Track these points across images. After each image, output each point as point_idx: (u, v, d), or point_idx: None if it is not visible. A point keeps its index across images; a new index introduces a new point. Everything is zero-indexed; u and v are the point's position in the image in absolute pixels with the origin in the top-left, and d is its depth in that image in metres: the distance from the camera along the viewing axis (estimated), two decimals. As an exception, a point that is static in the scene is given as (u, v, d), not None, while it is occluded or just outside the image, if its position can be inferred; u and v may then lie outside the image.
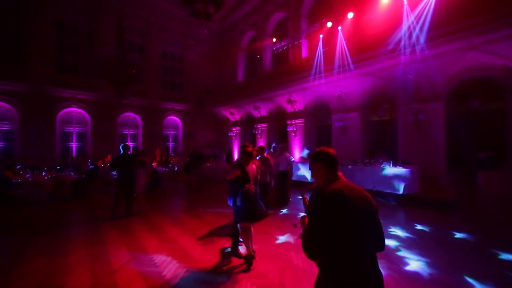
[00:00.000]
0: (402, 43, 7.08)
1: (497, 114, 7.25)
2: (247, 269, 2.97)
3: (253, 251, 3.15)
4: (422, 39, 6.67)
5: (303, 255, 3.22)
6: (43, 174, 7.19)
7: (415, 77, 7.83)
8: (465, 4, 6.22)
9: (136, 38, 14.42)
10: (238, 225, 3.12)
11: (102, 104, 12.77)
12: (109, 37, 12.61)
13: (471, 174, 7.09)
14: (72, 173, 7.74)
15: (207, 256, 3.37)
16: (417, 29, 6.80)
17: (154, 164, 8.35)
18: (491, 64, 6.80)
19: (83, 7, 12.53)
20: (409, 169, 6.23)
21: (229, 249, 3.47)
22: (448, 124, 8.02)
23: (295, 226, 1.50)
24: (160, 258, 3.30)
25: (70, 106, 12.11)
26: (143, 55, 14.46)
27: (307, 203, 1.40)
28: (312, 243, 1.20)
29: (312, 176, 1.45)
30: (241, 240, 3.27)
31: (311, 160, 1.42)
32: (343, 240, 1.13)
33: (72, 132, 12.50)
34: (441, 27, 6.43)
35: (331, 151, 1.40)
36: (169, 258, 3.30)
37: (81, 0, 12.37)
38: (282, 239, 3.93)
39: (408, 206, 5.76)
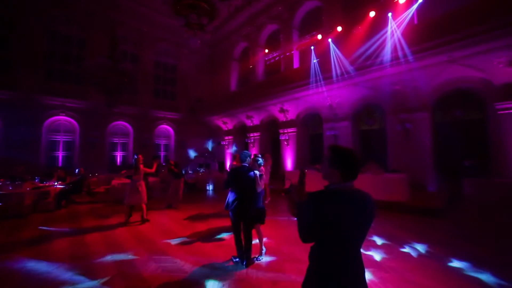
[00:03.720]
0: (389, 55, 7.40)
1: (478, 123, 7.59)
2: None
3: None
4: (407, 52, 7.00)
5: (296, 265, 3.20)
6: (25, 184, 6.86)
7: (402, 88, 8.15)
8: (445, 21, 6.64)
9: (129, 47, 14.44)
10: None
11: (92, 113, 12.53)
12: (102, 46, 12.54)
13: (457, 181, 7.29)
14: (57, 184, 7.43)
15: (198, 268, 3.25)
16: (402, 42, 7.15)
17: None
18: (471, 77, 7.18)
19: (76, 16, 12.53)
20: (399, 177, 6.34)
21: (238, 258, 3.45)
22: (435, 133, 8.31)
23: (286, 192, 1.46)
24: (149, 272, 3.16)
25: (58, 114, 11.82)
26: (136, 64, 14.44)
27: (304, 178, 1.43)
28: (302, 229, 1.25)
29: (323, 175, 1.30)
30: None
31: (327, 161, 1.25)
32: (327, 236, 1.18)
33: (59, 141, 12.12)
34: (424, 41, 6.80)
35: (354, 158, 1.21)
36: (157, 271, 3.16)
37: (75, 10, 12.36)
38: (275, 249, 3.86)
39: (398, 214, 5.82)
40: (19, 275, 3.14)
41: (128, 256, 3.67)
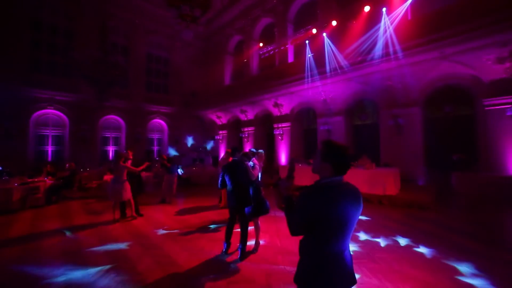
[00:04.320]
0: (383, 51, 7.44)
1: (467, 119, 7.80)
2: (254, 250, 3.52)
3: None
4: (400, 48, 7.06)
5: (290, 258, 3.27)
6: (12, 180, 6.67)
7: (395, 84, 8.25)
8: (438, 17, 6.71)
9: (120, 39, 14.02)
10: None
11: (82, 106, 12.21)
12: (91, 37, 12.16)
13: (445, 175, 7.52)
14: (47, 179, 7.27)
15: (192, 262, 3.29)
16: (396, 38, 7.20)
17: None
18: (461, 73, 7.33)
19: (62, 5, 12.02)
20: (390, 171, 6.49)
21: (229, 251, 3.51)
22: (425, 128, 8.49)
23: (274, 186, 1.47)
24: (143, 266, 3.17)
25: (46, 108, 11.47)
26: (127, 56, 14.08)
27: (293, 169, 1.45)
28: (294, 224, 1.27)
29: (314, 169, 1.32)
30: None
31: (320, 156, 1.26)
32: (317, 230, 1.20)
33: (48, 135, 11.80)
34: (417, 37, 6.86)
35: (347, 153, 1.23)
36: (151, 265, 3.18)
37: (60, -2, 11.86)
38: (268, 242, 3.92)
39: (389, 207, 5.98)
40: (9, 272, 3.10)
41: (122, 251, 3.66)
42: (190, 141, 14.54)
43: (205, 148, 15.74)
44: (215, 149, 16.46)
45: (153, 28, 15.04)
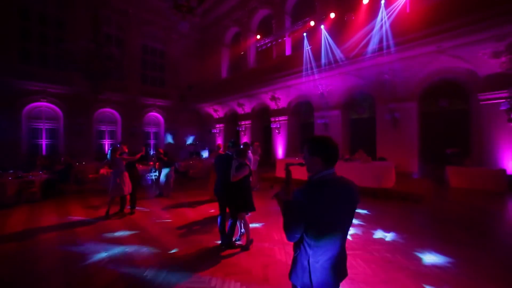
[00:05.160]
0: (381, 44, 7.40)
1: (462, 113, 7.88)
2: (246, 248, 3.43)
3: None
4: (398, 42, 7.02)
5: (286, 250, 3.33)
6: (6, 174, 6.59)
7: (392, 78, 8.25)
8: (436, 10, 6.67)
9: (113, 30, 13.66)
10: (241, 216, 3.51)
11: (76, 99, 11.99)
12: (83, 28, 11.81)
13: (440, 169, 7.64)
14: (42, 173, 7.20)
15: (190, 254, 3.33)
16: (393, 32, 7.14)
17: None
18: (457, 67, 7.35)
19: (52, -7, 11.60)
20: (386, 165, 6.57)
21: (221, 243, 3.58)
22: (421, 122, 8.56)
23: (271, 187, 1.46)
24: (141, 259, 3.20)
25: (38, 100, 11.23)
26: (122, 48, 13.76)
27: (290, 177, 1.44)
28: (289, 224, 1.23)
29: (307, 168, 1.32)
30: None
31: (307, 151, 1.27)
32: (314, 228, 1.19)
33: (41, 129, 11.61)
34: (415, 30, 6.83)
35: (332, 143, 1.26)
36: (150, 257, 3.21)
37: (50, -14, 11.42)
38: (265, 234, 3.98)
39: (384, 200, 6.09)
40: (8, 267, 3.10)
41: (120, 244, 3.69)
42: (169, 138, 14.42)
43: (185, 144, 15.61)
44: (212, 142, 16.40)
45: (148, 19, 14.66)
